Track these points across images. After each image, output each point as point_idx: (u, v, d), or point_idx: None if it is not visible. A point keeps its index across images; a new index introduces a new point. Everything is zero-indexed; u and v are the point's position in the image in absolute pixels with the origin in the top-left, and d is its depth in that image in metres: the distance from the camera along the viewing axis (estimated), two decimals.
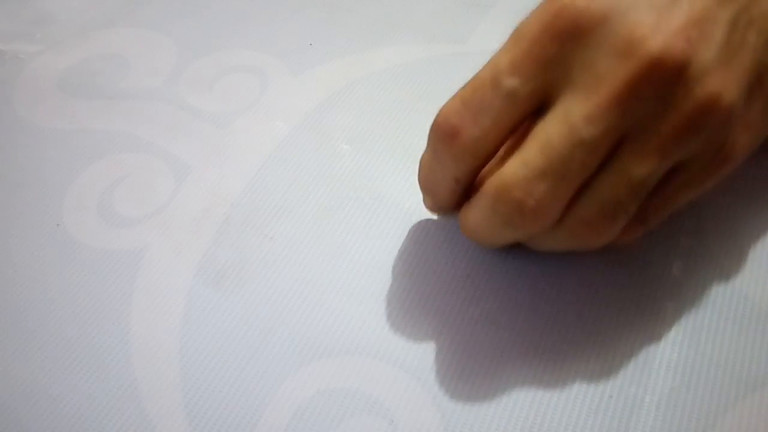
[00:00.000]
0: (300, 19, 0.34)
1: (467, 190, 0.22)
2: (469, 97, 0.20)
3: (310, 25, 0.34)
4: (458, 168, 0.21)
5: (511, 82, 0.20)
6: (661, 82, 0.19)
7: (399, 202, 0.27)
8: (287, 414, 0.22)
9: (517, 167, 0.20)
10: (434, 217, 0.27)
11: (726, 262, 0.25)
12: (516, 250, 0.25)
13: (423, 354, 0.23)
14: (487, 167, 0.22)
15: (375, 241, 0.26)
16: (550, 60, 0.20)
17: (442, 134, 0.21)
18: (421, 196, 0.27)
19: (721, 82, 0.19)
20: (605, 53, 0.19)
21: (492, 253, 0.25)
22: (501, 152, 0.21)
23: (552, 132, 0.19)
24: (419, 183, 0.24)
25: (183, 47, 0.34)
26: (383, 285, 0.25)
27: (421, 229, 0.26)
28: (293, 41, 0.33)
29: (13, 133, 0.31)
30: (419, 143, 0.23)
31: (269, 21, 0.35)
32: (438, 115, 0.21)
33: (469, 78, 0.21)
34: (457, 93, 0.21)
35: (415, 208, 0.27)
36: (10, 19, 0.36)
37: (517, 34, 0.20)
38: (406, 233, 0.26)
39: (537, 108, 0.20)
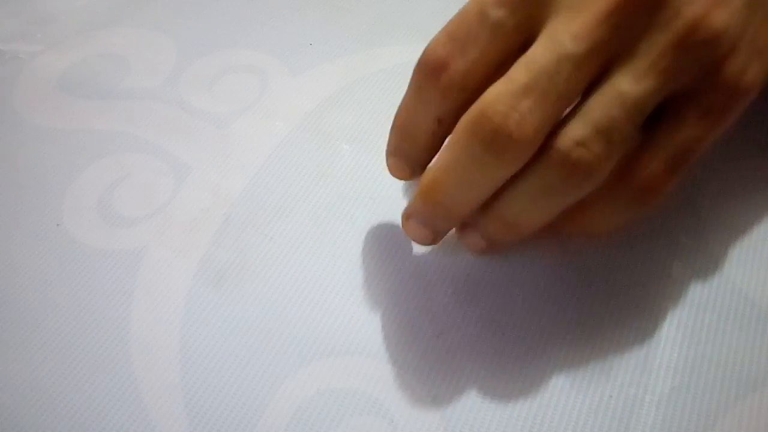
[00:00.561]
0: (300, 19, 0.34)
1: (443, 140, 0.21)
2: (455, 30, 0.20)
3: (310, 25, 0.34)
4: (443, 104, 0.21)
5: (497, 13, 0.20)
6: (647, 1, 0.19)
7: (399, 202, 0.27)
8: (287, 414, 0.22)
9: (501, 86, 0.19)
10: None
11: (726, 262, 0.25)
12: (515, 249, 0.25)
13: (423, 354, 0.23)
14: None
15: (374, 240, 0.26)
16: None
17: (430, 68, 0.21)
18: None
19: (709, 2, 0.19)
20: None
21: (492, 253, 0.25)
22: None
23: (537, 51, 0.19)
24: (393, 130, 0.23)
25: (183, 47, 0.34)
26: (383, 285, 0.25)
27: None
28: (293, 41, 0.33)
29: (13, 133, 0.31)
30: None
31: (269, 21, 0.35)
32: (424, 52, 0.21)
33: None
34: (443, 28, 0.21)
35: None
36: (10, 19, 0.36)
37: None
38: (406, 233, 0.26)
39: (524, 42, 0.20)
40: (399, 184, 0.28)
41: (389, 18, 0.34)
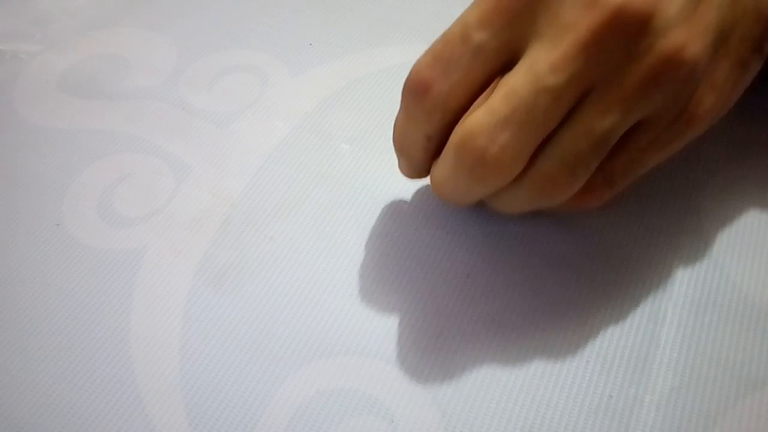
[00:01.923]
0: (300, 19, 0.34)
1: (439, 149, 0.22)
2: (439, 52, 0.21)
3: (310, 25, 0.34)
4: (430, 124, 0.21)
5: (479, 36, 0.20)
6: (624, 33, 0.19)
7: (398, 202, 0.27)
8: (287, 414, 0.22)
9: (482, 116, 0.20)
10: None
11: (726, 262, 0.25)
12: (516, 249, 0.25)
13: (423, 354, 0.23)
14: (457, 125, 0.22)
15: (374, 240, 0.26)
16: (517, 14, 0.20)
17: (414, 89, 0.21)
18: (421, 195, 0.27)
19: (684, 36, 0.19)
20: (570, 5, 0.19)
21: (492, 253, 0.25)
22: (471, 110, 0.21)
23: (517, 81, 0.20)
24: (394, 144, 0.24)
25: (183, 47, 0.34)
26: (383, 285, 0.25)
27: (420, 229, 0.26)
28: (293, 41, 0.33)
29: (13, 133, 0.31)
30: None
31: (269, 21, 0.35)
32: (410, 72, 0.21)
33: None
34: (428, 49, 0.21)
35: (415, 209, 0.27)
36: (10, 19, 0.36)
37: None
38: (405, 233, 0.26)
39: (506, 63, 0.20)
40: (398, 185, 0.28)
41: (389, 18, 0.34)
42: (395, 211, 0.27)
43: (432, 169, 0.23)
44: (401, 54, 0.32)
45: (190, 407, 0.23)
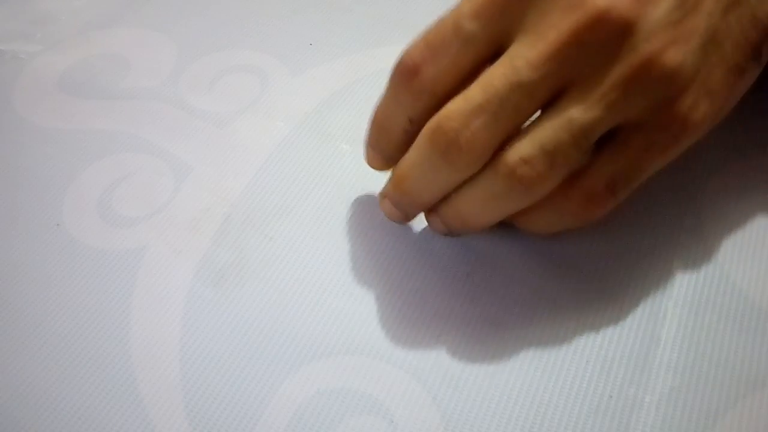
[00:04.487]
0: (300, 19, 0.34)
1: (416, 136, 0.23)
2: (431, 38, 0.22)
3: (310, 25, 0.34)
4: (414, 106, 0.22)
5: (470, 26, 0.21)
6: (605, 35, 0.20)
7: None
8: (287, 414, 0.22)
9: (458, 102, 0.21)
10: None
11: (726, 262, 0.25)
12: (516, 249, 0.25)
13: (423, 354, 0.23)
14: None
15: (374, 240, 0.26)
16: (508, 8, 0.21)
17: (404, 71, 0.22)
18: None
19: (667, 41, 0.20)
20: (557, 4, 0.20)
21: (492, 252, 0.25)
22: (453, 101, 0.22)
23: (496, 73, 0.20)
24: (371, 124, 0.24)
25: (183, 47, 0.34)
26: (383, 285, 0.25)
27: (420, 229, 0.26)
28: (293, 41, 0.33)
29: (13, 133, 0.31)
30: None
31: (269, 21, 0.35)
32: (400, 55, 0.22)
33: None
34: (421, 34, 0.22)
35: None
36: (10, 19, 0.36)
37: None
38: (405, 233, 0.26)
39: (494, 54, 0.21)
40: None
41: (389, 18, 0.34)
42: None
43: (402, 158, 0.23)
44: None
45: (190, 407, 0.23)
